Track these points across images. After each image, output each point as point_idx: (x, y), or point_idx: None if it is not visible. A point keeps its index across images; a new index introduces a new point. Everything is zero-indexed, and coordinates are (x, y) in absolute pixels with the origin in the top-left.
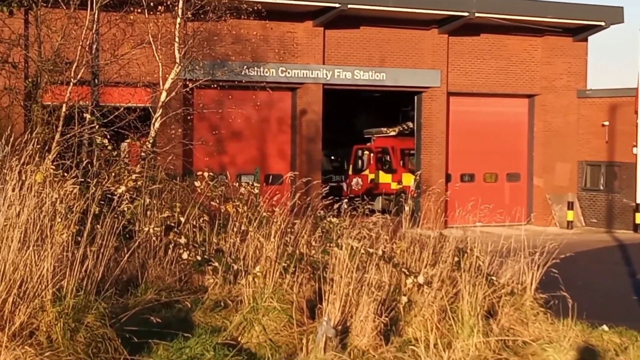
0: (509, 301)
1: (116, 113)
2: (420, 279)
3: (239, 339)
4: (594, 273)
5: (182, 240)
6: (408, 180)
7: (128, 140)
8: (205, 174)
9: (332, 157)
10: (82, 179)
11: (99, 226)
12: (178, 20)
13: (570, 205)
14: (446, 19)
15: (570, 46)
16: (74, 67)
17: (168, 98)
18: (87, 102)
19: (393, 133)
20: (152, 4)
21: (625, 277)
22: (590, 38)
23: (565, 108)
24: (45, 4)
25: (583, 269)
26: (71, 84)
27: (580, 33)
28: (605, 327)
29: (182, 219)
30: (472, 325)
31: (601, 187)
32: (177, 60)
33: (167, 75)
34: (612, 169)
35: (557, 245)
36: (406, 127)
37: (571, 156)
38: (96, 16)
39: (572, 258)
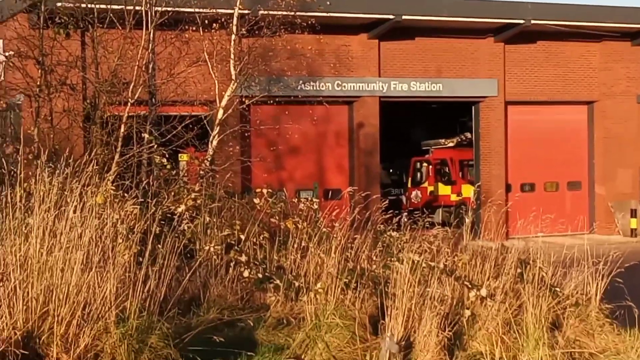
0: (574, 312)
1: (173, 123)
2: (483, 292)
3: (303, 356)
4: None
5: (243, 258)
6: (468, 191)
7: (186, 158)
8: (264, 191)
9: (391, 170)
10: (142, 199)
11: (160, 246)
12: (233, 37)
13: (634, 213)
14: (502, 27)
15: (629, 51)
16: (131, 87)
17: (225, 115)
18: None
19: (451, 144)
20: (206, 21)
21: None
22: None
23: (626, 114)
24: (101, 25)
25: None
26: (129, 104)
27: (639, 37)
28: None
29: (243, 237)
30: (537, 337)
31: None
32: (233, 77)
33: (223, 93)
34: None
35: (621, 254)
36: (464, 138)
37: (633, 162)
38: (152, 35)
39: (637, 267)
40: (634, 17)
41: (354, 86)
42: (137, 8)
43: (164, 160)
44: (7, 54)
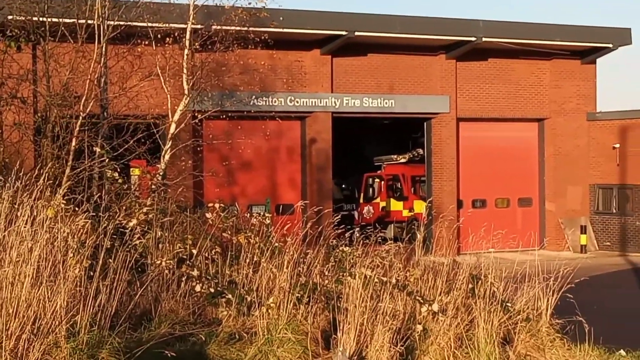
0: (525, 327)
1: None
2: (435, 307)
3: None
4: (610, 297)
5: (195, 272)
6: (420, 207)
7: (138, 173)
8: (217, 205)
9: (343, 186)
10: (94, 213)
11: (111, 260)
12: (186, 51)
13: (583, 229)
14: (454, 44)
15: (578, 69)
16: (82, 100)
17: (177, 130)
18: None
19: (403, 160)
20: (159, 35)
21: None
22: (598, 60)
23: (576, 131)
24: (52, 39)
25: (598, 293)
26: (80, 117)
27: (589, 55)
28: (622, 352)
29: (194, 251)
30: (488, 352)
31: (614, 210)
32: (186, 92)
33: (175, 107)
34: (624, 191)
35: (571, 270)
36: (416, 154)
37: (583, 179)
38: (104, 49)
39: (587, 282)
40: (584, 35)
41: (306, 101)
42: (89, 22)
43: (116, 174)
44: None
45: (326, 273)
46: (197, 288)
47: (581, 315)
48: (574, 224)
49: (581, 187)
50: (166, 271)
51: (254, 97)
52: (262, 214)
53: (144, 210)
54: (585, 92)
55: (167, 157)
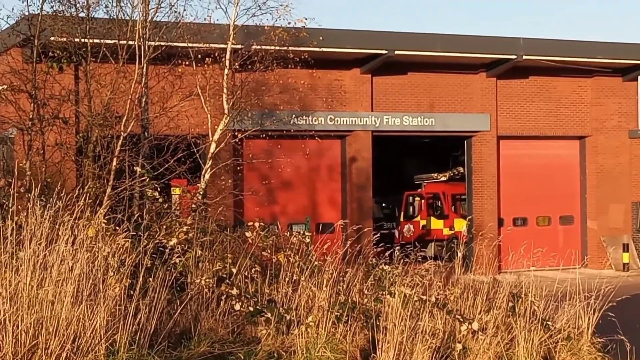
0: (566, 346)
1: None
2: (475, 326)
3: None
4: None
5: (234, 291)
6: (460, 225)
7: (179, 192)
8: (256, 224)
9: (383, 204)
10: (134, 232)
11: (151, 279)
12: (226, 71)
13: (626, 247)
14: (494, 62)
15: (620, 86)
16: (123, 120)
17: (217, 149)
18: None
19: (444, 178)
20: (199, 56)
21: None
22: None
23: (617, 149)
24: (94, 59)
25: None
26: (121, 137)
27: (630, 73)
28: None
29: (234, 270)
30: None
31: None
32: (226, 111)
33: (216, 127)
34: None
35: (613, 288)
36: (457, 172)
37: (625, 197)
38: (145, 70)
39: (629, 301)
40: (626, 53)
41: (346, 120)
42: (130, 42)
43: (156, 193)
44: (0, 87)
45: (365, 292)
46: (237, 307)
47: (623, 334)
48: (616, 242)
49: (623, 204)
50: (206, 290)
51: (293, 116)
52: (302, 232)
53: (184, 229)
54: (626, 110)
55: (207, 176)
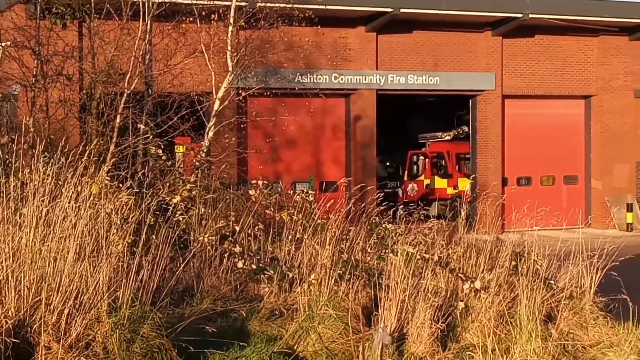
0: (568, 305)
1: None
2: (477, 284)
3: (295, 347)
4: None
5: (237, 249)
6: (464, 184)
7: (182, 150)
8: (260, 182)
9: (387, 163)
10: (137, 190)
11: (154, 236)
12: (230, 28)
13: (630, 207)
14: (500, 20)
15: (626, 45)
16: (127, 78)
17: (221, 107)
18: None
19: (448, 137)
20: (204, 13)
21: None
22: None
23: (623, 108)
24: (98, 16)
25: None
26: (125, 95)
27: (637, 32)
28: None
29: (237, 228)
30: (530, 330)
31: None
32: (230, 69)
33: (219, 84)
34: None
35: (616, 248)
36: (461, 131)
37: (629, 157)
38: (149, 26)
39: (632, 261)
40: (632, 11)
41: (351, 79)
42: None
43: (160, 151)
44: (3, 44)
45: (368, 250)
46: (240, 264)
47: (625, 293)
48: (620, 202)
49: (628, 165)
50: (209, 247)
51: (298, 74)
52: (305, 191)
53: (188, 187)
54: (633, 69)
55: (211, 134)
